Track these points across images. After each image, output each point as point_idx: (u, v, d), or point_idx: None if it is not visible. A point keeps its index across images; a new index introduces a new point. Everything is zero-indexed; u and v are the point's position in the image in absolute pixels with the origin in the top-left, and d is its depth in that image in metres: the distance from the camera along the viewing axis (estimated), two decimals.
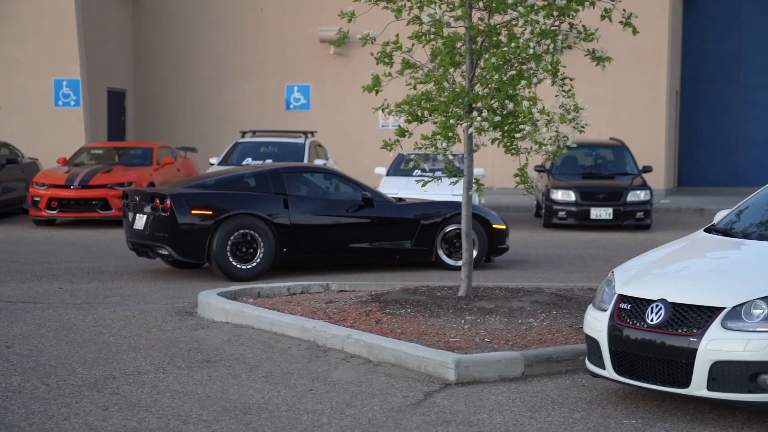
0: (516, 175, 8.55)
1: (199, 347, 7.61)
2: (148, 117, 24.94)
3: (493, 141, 8.36)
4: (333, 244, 11.53)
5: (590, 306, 6.31)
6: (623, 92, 22.96)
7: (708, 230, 6.74)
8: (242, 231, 10.92)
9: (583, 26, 8.12)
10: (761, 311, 5.44)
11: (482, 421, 5.77)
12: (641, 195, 16.98)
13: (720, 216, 6.88)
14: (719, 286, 5.73)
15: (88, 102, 22.11)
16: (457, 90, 8.15)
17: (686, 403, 5.97)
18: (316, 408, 6.02)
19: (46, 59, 21.47)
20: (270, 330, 8.09)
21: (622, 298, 5.97)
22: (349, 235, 11.58)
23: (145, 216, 11.04)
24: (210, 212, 10.90)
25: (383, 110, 8.48)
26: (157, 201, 10.91)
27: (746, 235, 6.40)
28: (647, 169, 17.77)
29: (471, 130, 8.18)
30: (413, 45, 8.34)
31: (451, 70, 8.16)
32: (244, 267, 10.91)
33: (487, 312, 8.00)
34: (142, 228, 11.07)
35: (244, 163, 17.95)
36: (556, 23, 8.12)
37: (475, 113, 8.08)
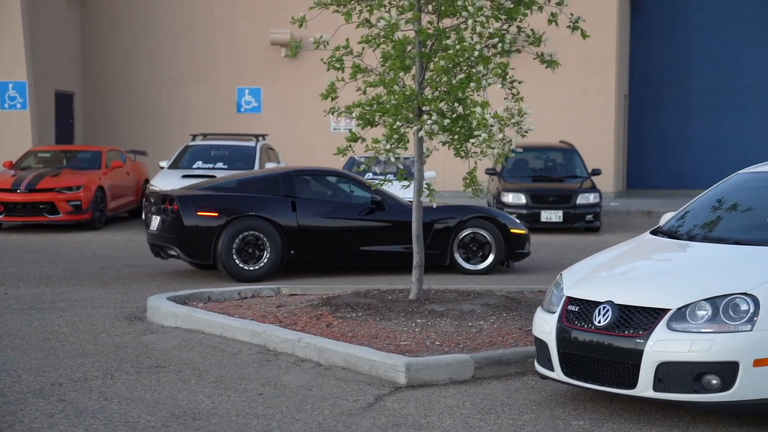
0: (465, 179, 8.59)
1: (148, 352, 7.54)
2: (97, 120, 24.65)
3: (444, 143, 8.39)
4: (342, 246, 11.57)
5: (539, 308, 6.36)
6: (573, 96, 23.19)
7: (654, 232, 6.84)
8: (248, 233, 11.10)
9: (531, 30, 8.18)
10: (705, 312, 5.53)
11: (432, 424, 5.79)
12: (591, 198, 17.15)
13: (665, 218, 6.98)
14: (665, 287, 5.80)
15: (35, 105, 21.78)
16: (407, 93, 8.17)
17: (633, 403, 6.04)
18: (267, 412, 6.00)
19: None
20: (220, 334, 8.04)
21: (570, 300, 6.02)
22: (358, 238, 11.62)
23: (158, 217, 11.28)
24: (216, 214, 11.11)
25: (333, 113, 8.46)
26: (167, 203, 11.14)
27: (691, 237, 6.49)
28: (596, 172, 17.96)
29: (421, 133, 8.20)
30: (363, 49, 8.35)
31: (402, 73, 8.18)
32: (249, 268, 11.08)
33: (438, 315, 8.03)
34: (155, 229, 11.35)
35: (194, 166, 17.86)
36: (504, 26, 8.17)
37: (425, 116, 8.11)
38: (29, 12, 21.50)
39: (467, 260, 11.81)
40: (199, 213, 11.08)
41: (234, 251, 11.05)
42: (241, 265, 11.06)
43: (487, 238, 11.77)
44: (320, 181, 11.94)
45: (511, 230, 11.97)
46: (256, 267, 11.11)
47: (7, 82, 21.34)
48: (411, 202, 12.13)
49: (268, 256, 11.14)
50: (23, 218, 16.50)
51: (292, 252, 11.29)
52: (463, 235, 11.80)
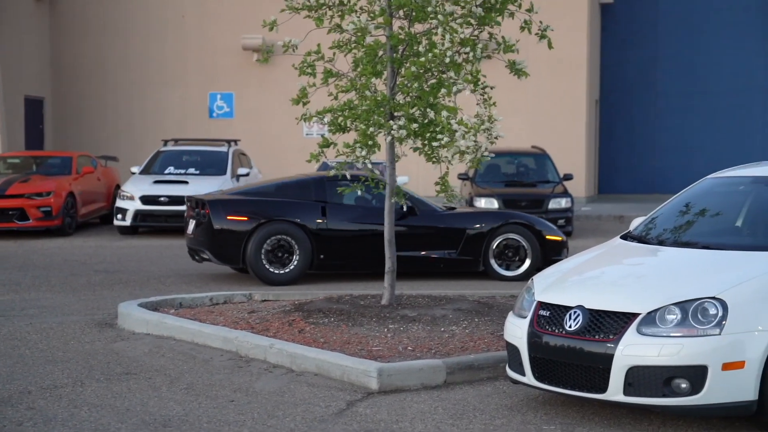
0: (437, 183, 8.61)
1: (119, 359, 7.49)
2: (68, 125, 24.45)
3: (414, 150, 8.41)
4: (372, 252, 11.50)
5: (510, 313, 6.38)
6: (545, 101, 23.31)
7: (624, 237, 6.88)
8: (277, 237, 11.25)
9: (503, 37, 8.20)
10: (674, 317, 5.57)
11: (404, 430, 5.79)
12: (563, 202, 17.23)
13: (635, 223, 7.03)
14: (635, 292, 5.84)
15: (4, 110, 21.57)
16: (378, 98, 8.18)
17: (604, 408, 6.07)
18: (238, 419, 5.97)
19: None
20: (192, 341, 8.00)
21: (541, 305, 6.05)
22: None
23: (194, 221, 11.54)
24: (245, 218, 11.30)
25: (305, 120, 8.47)
26: (200, 207, 11.39)
27: (661, 242, 6.54)
28: (568, 177, 18.05)
29: (389, 138, 8.21)
30: (335, 54, 8.34)
31: (373, 78, 8.18)
32: (278, 272, 11.24)
33: (410, 320, 8.03)
34: (190, 233, 11.63)
35: (166, 171, 17.77)
36: (476, 33, 8.19)
37: (392, 121, 8.11)
38: None
39: (507, 267, 11.81)
40: (229, 217, 11.29)
41: (263, 255, 11.21)
42: (270, 268, 11.22)
43: (523, 244, 11.77)
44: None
45: (547, 237, 11.97)
46: (286, 271, 11.25)
47: None
48: (444, 207, 12.28)
49: (297, 259, 11.27)
50: None
51: (322, 256, 11.41)
52: (498, 241, 11.81)
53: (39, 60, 23.91)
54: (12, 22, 22.22)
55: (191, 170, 17.85)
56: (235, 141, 19.31)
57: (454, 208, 12.41)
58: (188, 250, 11.89)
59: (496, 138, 8.10)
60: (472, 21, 8.03)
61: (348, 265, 11.63)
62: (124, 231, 17.04)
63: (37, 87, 23.79)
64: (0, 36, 21.41)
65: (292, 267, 11.27)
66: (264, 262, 11.21)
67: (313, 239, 11.34)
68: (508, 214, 12.24)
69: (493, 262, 11.81)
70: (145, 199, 16.79)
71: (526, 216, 12.40)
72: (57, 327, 8.63)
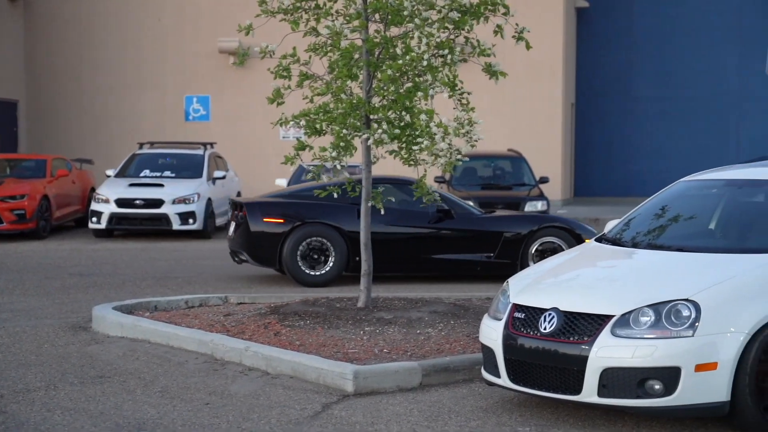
0: (414, 186, 8.63)
1: (93, 362, 7.44)
2: (42, 128, 24.29)
3: (390, 153, 8.42)
4: (407, 254, 11.65)
5: (486, 316, 6.39)
6: (521, 104, 23.39)
7: (599, 240, 6.92)
8: (313, 239, 11.40)
9: (477, 41, 8.23)
10: (648, 318, 5.60)
11: (380, 431, 5.80)
12: (539, 205, 17.28)
13: (610, 226, 7.07)
14: (609, 294, 5.87)
15: None
16: (354, 102, 8.19)
17: (578, 409, 6.10)
18: (213, 422, 5.95)
19: None
20: (167, 344, 7.97)
21: (517, 307, 6.07)
22: (425, 246, 11.71)
23: (234, 224, 11.80)
24: (282, 220, 11.48)
25: (281, 124, 8.48)
26: (239, 209, 11.66)
27: (635, 244, 6.58)
28: (544, 180, 18.12)
29: (370, 142, 8.22)
30: (311, 57, 8.35)
31: (349, 81, 8.19)
32: (314, 273, 11.39)
33: (386, 323, 8.04)
34: (231, 235, 11.88)
35: (141, 174, 17.70)
36: (452, 37, 8.22)
37: (375, 125, 8.13)
38: None
39: None
40: (265, 219, 11.47)
41: (299, 257, 11.36)
42: (306, 270, 11.37)
43: (563, 247, 11.77)
44: (388, 189, 11.83)
45: (585, 239, 11.87)
46: (321, 272, 11.39)
47: None
48: (481, 211, 12.28)
49: (333, 261, 11.40)
50: None
51: (357, 258, 11.27)
52: (537, 244, 11.82)
53: (13, 62, 23.74)
54: None
55: (167, 173, 17.79)
56: (211, 144, 19.27)
57: (492, 211, 12.56)
58: (229, 252, 12.05)
59: (476, 141, 8.13)
60: (448, 25, 8.05)
61: (383, 267, 11.48)
62: (99, 234, 16.96)
63: (11, 89, 23.62)
64: None
65: (327, 269, 11.40)
66: (300, 263, 11.35)
67: (348, 241, 11.39)
68: (547, 218, 12.31)
69: (532, 264, 11.79)
70: (121, 202, 16.72)
71: (565, 219, 12.48)
72: (30, 330, 8.58)
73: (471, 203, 12.90)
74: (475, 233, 11.83)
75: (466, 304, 9.06)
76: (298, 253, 11.35)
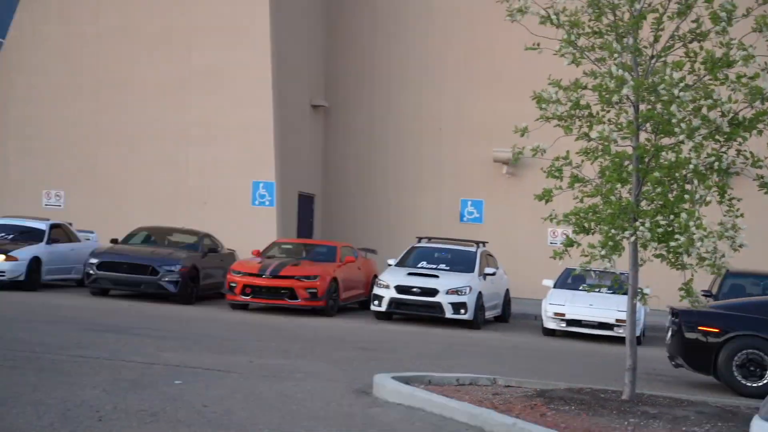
0: (681, 289, 8.82)
1: (374, 423, 8.17)
2: (334, 219, 26.72)
3: (657, 256, 8.71)
4: None
5: (756, 417, 6.22)
6: None
7: None
8: (749, 350, 11.50)
9: (750, 152, 8.42)
10: None
11: None
12: None
13: None
14: None
15: (281, 203, 23.98)
16: (623, 204, 8.57)
17: None
18: None
19: (246, 163, 23.63)
20: (439, 413, 8.58)
21: None
22: None
23: (671, 329, 12.13)
24: (717, 330, 11.69)
25: (551, 220, 8.94)
26: (675, 316, 11.88)
27: None
28: None
29: (633, 238, 8.54)
30: (582, 161, 8.88)
31: (618, 185, 8.61)
32: (750, 384, 11.45)
33: (651, 416, 8.16)
34: (668, 340, 12.21)
35: (419, 265, 18.93)
36: (723, 149, 8.43)
37: (638, 223, 8.46)
38: (280, 122, 23.87)
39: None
40: (700, 327, 11.75)
41: (734, 366, 11.49)
42: (742, 380, 11.46)
43: None
44: None
45: None
46: (759, 384, 11.38)
47: (259, 182, 23.73)
48: None
49: None
50: (267, 300, 18.15)
51: None
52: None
53: (312, 161, 26.48)
54: (291, 128, 24.82)
55: (442, 266, 18.94)
56: (483, 243, 20.23)
57: None
58: (668, 356, 12.37)
59: (740, 246, 8.26)
60: (719, 137, 8.30)
61: None
62: (380, 316, 18.34)
63: (310, 184, 26.27)
64: (280, 138, 23.95)
65: (765, 381, 11.35)
66: (735, 373, 11.46)
67: None
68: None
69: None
70: (400, 289, 18.03)
71: None
72: (320, 390, 9.53)
73: None
74: None
75: (733, 409, 9.02)
76: (734, 363, 11.43)
